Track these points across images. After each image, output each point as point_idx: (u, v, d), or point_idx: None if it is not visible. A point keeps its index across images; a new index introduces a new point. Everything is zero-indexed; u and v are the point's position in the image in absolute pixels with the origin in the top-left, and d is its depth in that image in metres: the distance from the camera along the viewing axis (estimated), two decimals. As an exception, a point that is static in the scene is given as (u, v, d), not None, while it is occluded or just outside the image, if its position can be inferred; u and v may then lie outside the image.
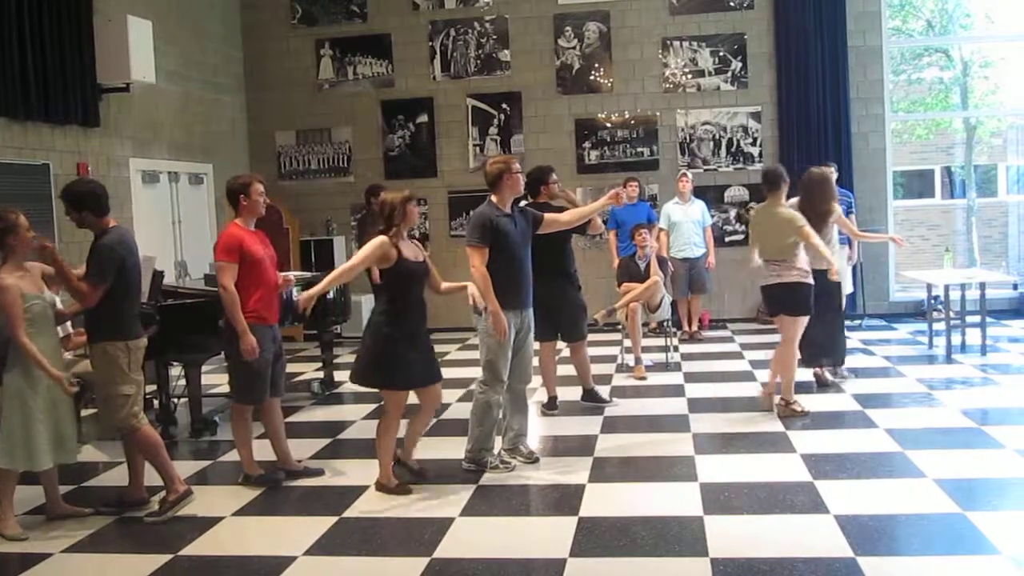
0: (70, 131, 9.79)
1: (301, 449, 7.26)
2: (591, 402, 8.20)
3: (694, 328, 11.90)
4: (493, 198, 6.49)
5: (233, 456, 7.19)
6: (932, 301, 10.81)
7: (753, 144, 13.03)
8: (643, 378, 9.29)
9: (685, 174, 12.04)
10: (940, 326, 10.26)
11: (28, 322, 5.45)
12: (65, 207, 5.83)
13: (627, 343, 9.92)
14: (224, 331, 6.29)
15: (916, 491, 5.67)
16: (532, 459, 6.63)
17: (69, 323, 7.07)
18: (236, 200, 6.31)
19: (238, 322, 6.09)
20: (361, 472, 6.53)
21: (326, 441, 7.56)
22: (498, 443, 6.70)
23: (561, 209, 7.41)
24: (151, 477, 5.96)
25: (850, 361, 9.68)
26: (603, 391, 8.45)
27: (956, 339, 10.11)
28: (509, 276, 6.35)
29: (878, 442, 6.76)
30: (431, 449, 7.05)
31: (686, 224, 11.76)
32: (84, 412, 7.58)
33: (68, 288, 5.73)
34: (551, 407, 8.13)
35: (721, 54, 13.02)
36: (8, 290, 5.38)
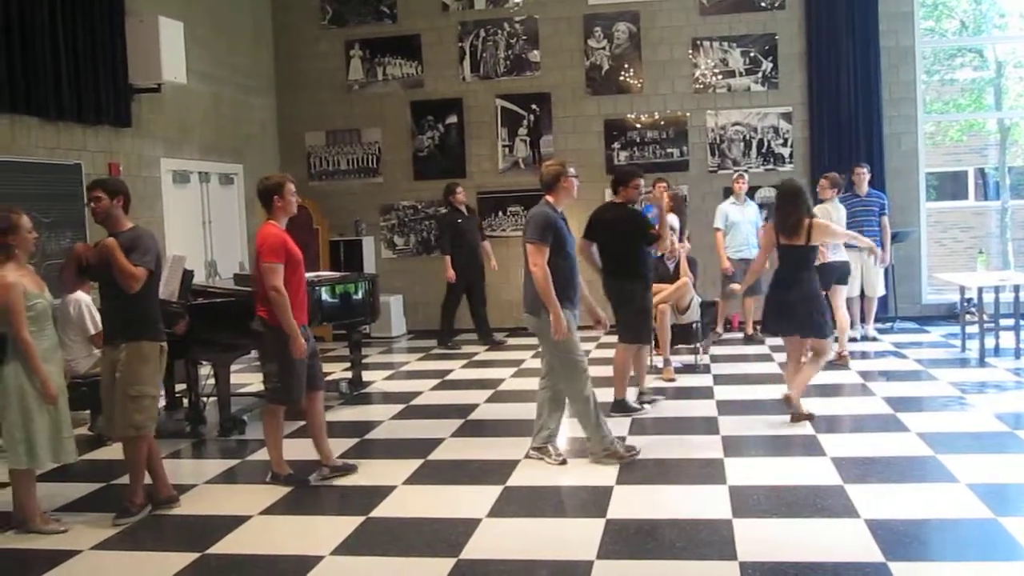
0: (102, 131, 9.86)
1: (330, 448, 7.27)
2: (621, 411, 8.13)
3: (751, 330, 11.56)
4: (550, 199, 6.60)
5: (261, 455, 7.22)
6: (965, 304, 10.69)
7: (784, 145, 12.94)
8: (672, 380, 9.25)
9: (742, 175, 11.79)
10: (973, 329, 10.14)
11: (30, 320, 5.48)
12: (100, 192, 5.84)
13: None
14: (265, 332, 6.29)
15: (948, 496, 5.60)
16: (561, 460, 6.62)
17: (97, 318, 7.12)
18: (270, 200, 6.32)
19: (289, 324, 6.09)
20: (389, 472, 6.54)
21: (354, 441, 7.57)
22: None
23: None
24: (171, 473, 5.99)
25: (882, 364, 9.63)
26: (638, 393, 8.41)
27: (989, 342, 9.98)
28: (569, 276, 6.49)
29: (910, 446, 6.68)
30: (459, 451, 7.06)
31: (744, 225, 11.53)
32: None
33: (121, 271, 5.67)
34: (624, 408, 8.02)
35: (752, 54, 12.94)
36: (12, 287, 5.42)
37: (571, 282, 6.54)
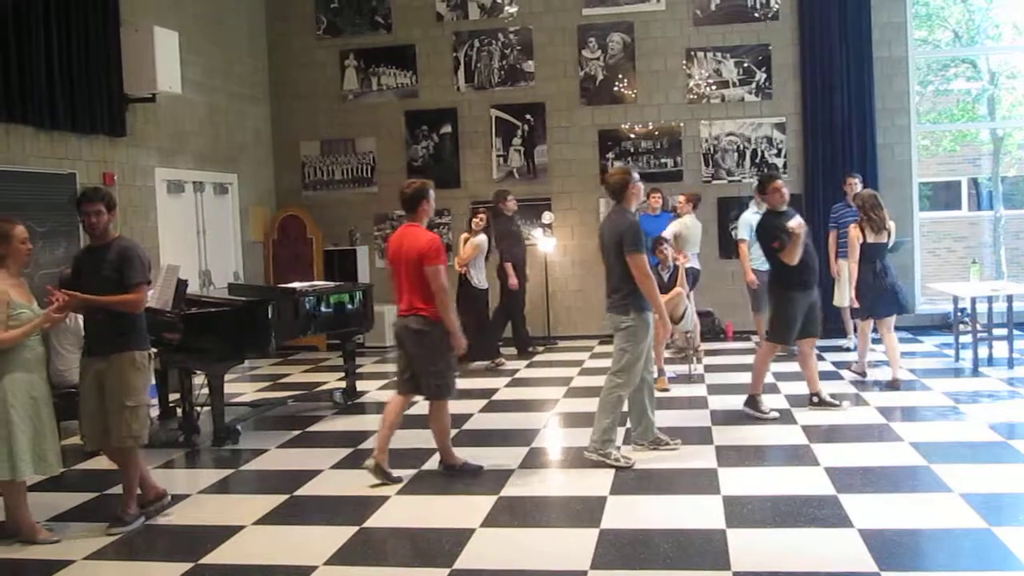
0: (96, 141, 9.87)
1: (321, 458, 7.28)
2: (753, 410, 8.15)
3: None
4: (624, 205, 6.80)
5: (255, 465, 7.24)
6: (959, 313, 10.72)
7: (778, 155, 12.98)
8: (666, 390, 9.25)
9: None
10: (967, 339, 10.17)
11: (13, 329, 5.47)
12: (102, 206, 5.83)
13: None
14: (431, 331, 6.42)
15: (942, 505, 5.60)
16: (674, 444, 7.04)
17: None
18: (417, 205, 6.53)
19: (452, 321, 6.41)
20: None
21: (347, 451, 7.57)
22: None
23: None
24: (165, 483, 5.97)
25: (875, 374, 9.63)
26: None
27: (983, 352, 10.02)
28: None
29: (903, 455, 6.69)
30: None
31: None
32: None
33: (123, 307, 5.76)
34: (755, 405, 8.08)
35: (745, 65, 12.99)
36: None
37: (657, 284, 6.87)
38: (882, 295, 8.99)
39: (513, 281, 11.63)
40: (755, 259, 10.98)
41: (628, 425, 7.20)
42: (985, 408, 8.10)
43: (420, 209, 6.54)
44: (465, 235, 11.25)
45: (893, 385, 9.00)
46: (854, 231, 9.11)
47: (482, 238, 11.00)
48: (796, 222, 7.89)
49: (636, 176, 6.86)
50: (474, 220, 11.08)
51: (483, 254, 11.16)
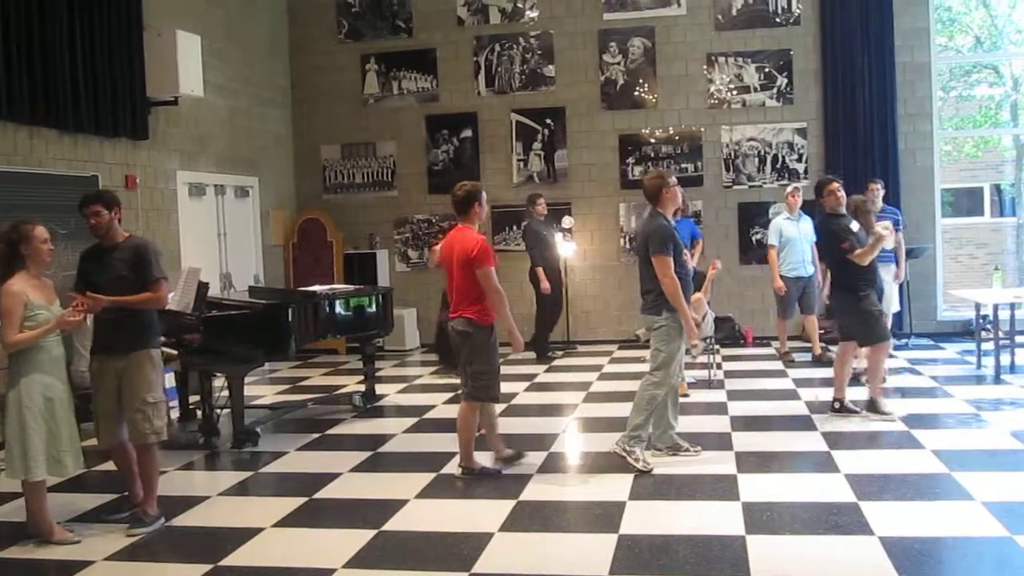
0: (119, 144, 9.93)
1: (341, 461, 7.29)
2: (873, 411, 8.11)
3: (818, 350, 10.96)
4: (659, 209, 6.88)
5: (274, 467, 7.26)
6: (981, 320, 10.65)
7: (799, 160, 12.93)
8: (686, 395, 9.21)
9: (797, 188, 11.34)
10: (988, 346, 10.09)
11: (30, 330, 5.51)
12: (99, 206, 5.93)
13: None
14: (475, 333, 6.53)
15: (963, 514, 5.56)
16: (697, 451, 7.09)
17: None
18: (470, 206, 6.63)
19: (510, 322, 6.60)
20: (402, 485, 6.54)
21: (367, 454, 7.58)
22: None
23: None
24: (185, 485, 5.99)
25: (896, 381, 9.58)
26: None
27: (1005, 359, 9.93)
28: (683, 280, 6.78)
29: (924, 463, 6.65)
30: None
31: (799, 241, 10.96)
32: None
33: (146, 305, 5.90)
34: (875, 408, 8.08)
35: (767, 70, 12.95)
36: (12, 296, 5.46)
37: (688, 287, 6.91)
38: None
39: (545, 285, 11.62)
40: (782, 265, 11.00)
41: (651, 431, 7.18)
42: (1007, 416, 8.03)
43: (472, 211, 6.64)
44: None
45: (820, 359, 10.41)
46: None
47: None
48: (883, 225, 8.08)
49: (673, 180, 6.94)
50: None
51: None
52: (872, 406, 8.06)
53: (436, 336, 11.64)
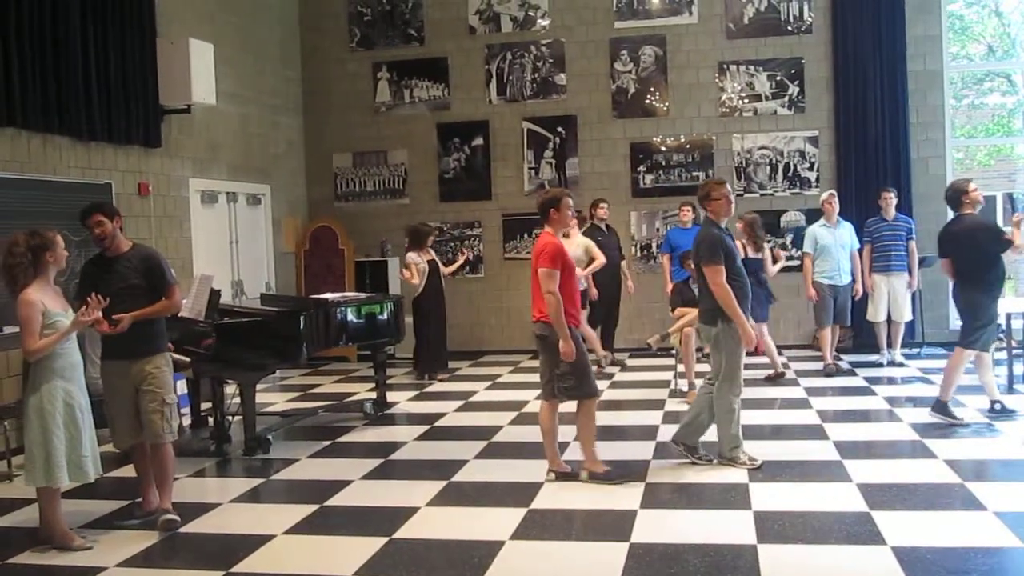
0: (132, 151, 9.97)
1: (352, 469, 7.30)
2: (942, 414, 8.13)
3: (838, 360, 10.97)
4: (711, 216, 6.98)
5: (285, 474, 7.27)
6: (994, 330, 10.58)
7: (810, 169, 12.91)
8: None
9: (833, 193, 11.11)
10: (1001, 355, 10.04)
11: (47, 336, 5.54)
12: (101, 216, 6.06)
13: (680, 368, 9.85)
14: (551, 335, 6.50)
15: (976, 524, 5.54)
16: (710, 460, 7.01)
17: None
18: (547, 212, 6.66)
19: (563, 327, 6.44)
20: (412, 493, 6.54)
21: (378, 461, 7.58)
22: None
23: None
24: (197, 492, 6.01)
25: (909, 389, 9.55)
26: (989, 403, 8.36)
27: (1018, 368, 9.88)
28: (741, 288, 6.84)
29: (937, 473, 6.62)
30: (482, 473, 7.07)
31: (835, 249, 10.72)
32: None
33: (161, 314, 6.11)
34: (944, 411, 8.09)
35: (778, 78, 12.94)
36: (31, 304, 5.49)
37: (745, 294, 6.90)
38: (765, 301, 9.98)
39: (592, 292, 11.46)
40: (817, 273, 10.79)
41: (682, 421, 7.23)
42: (1020, 425, 7.99)
43: (549, 217, 6.67)
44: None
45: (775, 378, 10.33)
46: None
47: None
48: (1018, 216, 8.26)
49: (725, 189, 7.00)
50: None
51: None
52: (940, 408, 8.10)
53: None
